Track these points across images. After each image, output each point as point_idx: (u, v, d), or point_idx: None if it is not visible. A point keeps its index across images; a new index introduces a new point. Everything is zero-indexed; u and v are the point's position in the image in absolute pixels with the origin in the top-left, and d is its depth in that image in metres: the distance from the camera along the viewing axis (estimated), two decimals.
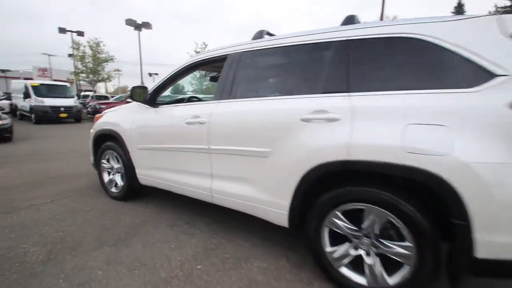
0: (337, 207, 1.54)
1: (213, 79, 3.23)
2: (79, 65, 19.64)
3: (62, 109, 11.98)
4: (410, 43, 1.40)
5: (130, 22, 18.52)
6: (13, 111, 14.56)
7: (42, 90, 12.20)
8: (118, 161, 2.91)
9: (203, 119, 2.04)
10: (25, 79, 17.17)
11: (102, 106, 13.50)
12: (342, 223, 1.56)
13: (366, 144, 1.39)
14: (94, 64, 19.46)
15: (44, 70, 31.33)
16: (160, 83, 2.53)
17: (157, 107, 2.52)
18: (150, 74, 38.63)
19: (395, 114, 1.36)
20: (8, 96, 16.72)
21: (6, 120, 6.90)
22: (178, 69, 2.43)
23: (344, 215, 1.55)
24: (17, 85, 13.82)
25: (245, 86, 2.02)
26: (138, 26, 18.78)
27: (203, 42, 22.08)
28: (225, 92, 2.02)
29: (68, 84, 14.04)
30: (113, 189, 3.02)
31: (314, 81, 1.69)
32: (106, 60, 19.94)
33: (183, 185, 2.32)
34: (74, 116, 12.55)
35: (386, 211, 1.39)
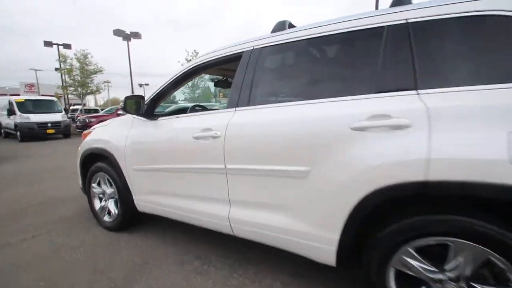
0: (410, 242, 1.16)
1: (219, 84, 2.84)
2: (67, 78, 19.05)
3: (49, 125, 11.35)
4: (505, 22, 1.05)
5: (118, 33, 18.03)
6: None
7: (27, 106, 11.58)
8: (111, 184, 2.47)
9: (217, 132, 1.64)
10: (12, 95, 16.47)
11: (92, 120, 12.96)
12: (416, 263, 1.17)
13: (454, 159, 1.01)
14: (82, 76, 18.89)
15: (31, 85, 30.39)
16: (158, 91, 2.13)
17: (156, 119, 2.11)
18: (141, 85, 38.11)
19: (494, 117, 0.99)
20: None
21: None
22: (179, 74, 2.04)
23: (418, 252, 1.17)
24: (0, 101, 13.14)
25: (269, 88, 1.64)
26: (126, 36, 18.32)
27: (194, 50, 21.86)
28: (243, 98, 1.63)
29: (55, 99, 13.40)
30: (106, 218, 2.57)
31: (365, 77, 1.32)
32: (95, 72, 19.41)
33: (192, 214, 1.90)
34: (62, 132, 11.95)
35: (487, 248, 1.01)
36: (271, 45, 1.60)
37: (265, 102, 1.58)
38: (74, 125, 14.60)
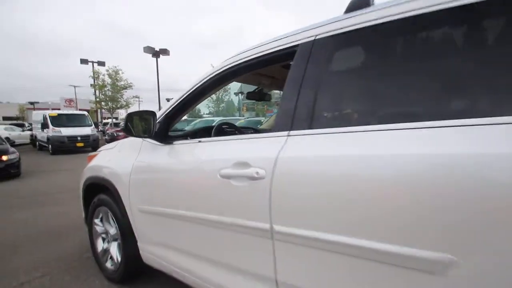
0: None
1: (251, 95, 2.24)
2: (98, 94, 19.93)
3: (78, 138, 11.63)
4: None
5: (148, 50, 18.61)
6: (33, 141, 14.55)
7: (60, 120, 12.02)
8: (115, 222, 1.93)
9: (259, 171, 1.01)
10: (53, 109, 17.46)
11: (120, 134, 13.12)
12: None
13: None
14: (113, 92, 19.65)
15: (70, 100, 32.65)
16: (175, 105, 1.58)
17: (170, 143, 1.56)
18: (168, 99, 39.28)
19: None
20: (31, 127, 16.97)
21: (13, 155, 6.33)
22: (202, 82, 1.47)
23: None
24: (36, 116, 13.83)
25: (350, 101, 1.00)
26: (156, 53, 18.83)
27: None
28: (301, 116, 1.00)
29: (86, 113, 13.84)
30: (109, 264, 2.02)
31: None
32: (125, 87, 20.11)
33: (213, 286, 1.27)
34: (91, 145, 12.14)
35: None
36: (349, 31, 0.95)
37: (344, 124, 0.93)
38: (104, 138, 14.97)
